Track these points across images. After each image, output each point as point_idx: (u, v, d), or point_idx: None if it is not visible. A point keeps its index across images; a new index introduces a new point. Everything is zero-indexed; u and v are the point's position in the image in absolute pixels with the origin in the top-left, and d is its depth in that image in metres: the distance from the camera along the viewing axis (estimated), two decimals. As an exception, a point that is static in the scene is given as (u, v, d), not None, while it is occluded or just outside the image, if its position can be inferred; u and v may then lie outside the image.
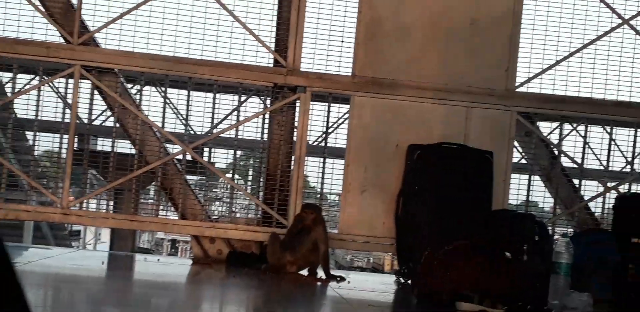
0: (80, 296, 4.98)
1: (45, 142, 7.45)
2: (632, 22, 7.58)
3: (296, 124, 7.28)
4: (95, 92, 7.26)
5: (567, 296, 5.88)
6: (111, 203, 7.80)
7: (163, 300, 5.14)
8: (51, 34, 7.14)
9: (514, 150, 7.45)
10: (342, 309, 5.15)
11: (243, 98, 7.49)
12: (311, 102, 7.27)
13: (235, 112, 7.46)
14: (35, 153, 7.76)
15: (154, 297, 5.29)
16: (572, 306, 5.78)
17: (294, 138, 7.28)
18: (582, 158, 7.64)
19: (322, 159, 7.45)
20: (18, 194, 7.52)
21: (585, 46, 7.54)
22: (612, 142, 7.70)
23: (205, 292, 5.79)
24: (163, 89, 7.47)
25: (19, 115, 7.39)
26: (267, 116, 7.38)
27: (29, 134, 7.48)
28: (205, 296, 5.59)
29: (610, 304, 6.22)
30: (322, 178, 7.45)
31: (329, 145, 7.52)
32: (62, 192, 7.10)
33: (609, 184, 7.60)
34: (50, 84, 7.38)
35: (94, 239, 14.32)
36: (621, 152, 7.72)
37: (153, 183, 7.47)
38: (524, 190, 7.57)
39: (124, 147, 7.36)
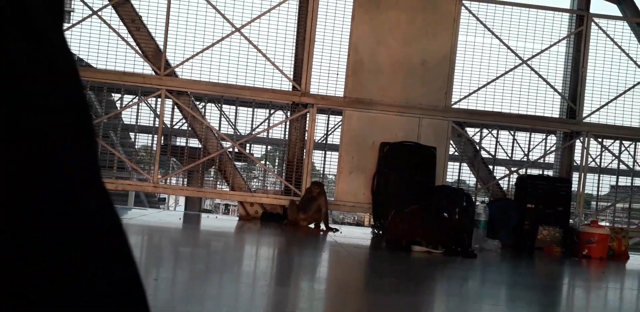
0: (165, 240, 5.00)
1: (142, 140, 7.47)
2: (528, 62, 7.57)
3: (307, 128, 7.30)
4: (175, 107, 7.30)
5: (484, 242, 5.91)
6: (185, 180, 7.83)
7: (219, 242, 5.16)
8: (146, 69, 7.15)
9: (450, 146, 7.45)
10: (336, 249, 5.14)
11: (272, 111, 7.51)
12: (317, 114, 7.29)
13: (267, 121, 7.49)
14: (136, 146, 7.79)
15: (213, 240, 5.32)
16: (487, 248, 5.81)
17: (306, 138, 7.30)
18: (495, 151, 7.64)
19: (324, 152, 7.48)
20: (124, 173, 7.54)
21: (497, 78, 7.54)
22: (515, 141, 7.70)
23: (247, 238, 5.81)
24: (220, 105, 7.49)
25: (125, 122, 7.41)
26: (287, 123, 7.40)
27: (132, 134, 7.49)
28: (247, 240, 5.62)
29: (512, 247, 6.25)
30: (324, 164, 7.47)
31: (328, 142, 7.53)
32: (153, 172, 7.14)
33: (512, 169, 7.61)
34: (145, 101, 7.42)
35: (174, 203, 14.27)
36: (520, 147, 7.71)
37: (213, 167, 7.48)
38: (456, 172, 7.59)
39: (194, 143, 7.37)
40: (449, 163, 7.34)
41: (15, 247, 0.49)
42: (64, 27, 0.60)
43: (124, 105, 7.42)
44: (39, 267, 0.50)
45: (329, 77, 7.26)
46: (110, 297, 0.54)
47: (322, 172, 7.57)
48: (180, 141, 7.56)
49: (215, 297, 2.63)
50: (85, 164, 0.55)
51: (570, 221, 6.75)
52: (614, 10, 8.11)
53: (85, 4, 7.00)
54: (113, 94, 7.65)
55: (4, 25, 0.49)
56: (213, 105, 7.50)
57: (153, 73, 7.09)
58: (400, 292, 3.08)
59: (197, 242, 5.05)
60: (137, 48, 7.10)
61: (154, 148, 7.14)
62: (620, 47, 7.66)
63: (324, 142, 7.49)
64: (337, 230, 6.36)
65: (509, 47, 7.50)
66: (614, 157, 7.77)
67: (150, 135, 7.18)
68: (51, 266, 0.50)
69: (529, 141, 7.67)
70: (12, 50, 0.49)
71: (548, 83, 7.59)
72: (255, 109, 7.40)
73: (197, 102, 7.42)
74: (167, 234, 5.39)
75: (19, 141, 0.49)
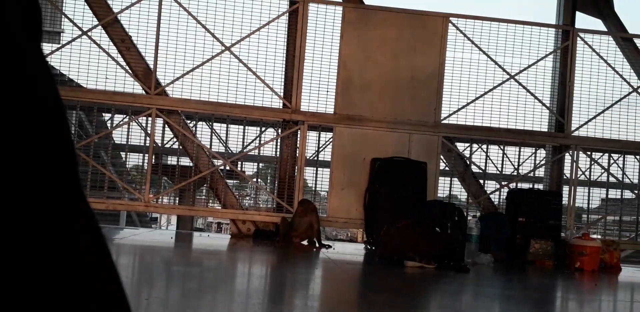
0: (157, 258, 4.99)
1: (133, 159, 7.46)
2: (516, 77, 7.66)
3: (298, 145, 7.30)
4: (166, 126, 7.30)
5: (476, 256, 5.91)
6: (177, 198, 7.80)
7: (211, 261, 5.15)
8: (137, 88, 7.17)
9: (441, 161, 7.47)
10: (329, 266, 5.13)
11: (263, 129, 7.53)
12: (307, 131, 7.30)
13: (258, 138, 7.50)
14: (127, 166, 7.77)
15: (205, 259, 5.31)
16: (480, 262, 5.81)
17: (297, 155, 7.30)
18: (485, 166, 7.67)
19: (315, 168, 7.49)
20: (115, 193, 7.50)
21: (486, 93, 7.60)
22: (504, 156, 7.74)
23: (239, 256, 5.79)
24: (210, 123, 7.50)
25: (115, 141, 7.39)
26: (279, 141, 7.41)
27: (122, 154, 7.48)
28: (239, 258, 5.60)
29: (504, 261, 6.26)
30: (316, 180, 7.48)
31: (320, 159, 7.54)
32: (144, 191, 7.13)
33: (503, 183, 7.64)
34: (136, 121, 7.41)
35: (166, 222, 14.18)
36: (510, 162, 7.74)
37: (204, 185, 7.47)
38: (447, 187, 7.61)
39: (185, 161, 7.35)
40: (440, 178, 7.34)
41: None
42: (45, 47, 0.62)
43: (114, 125, 7.42)
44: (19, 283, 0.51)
45: (319, 94, 7.28)
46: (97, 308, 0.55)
47: (314, 188, 7.57)
48: (172, 160, 7.55)
49: (208, 316, 2.63)
50: (68, 182, 0.56)
51: (562, 234, 6.77)
52: (599, 25, 8.25)
53: (75, 24, 7.04)
54: (103, 114, 7.66)
55: None
56: (204, 123, 7.51)
57: (143, 92, 7.10)
58: (393, 308, 3.08)
59: (189, 261, 5.03)
60: (127, 68, 7.11)
61: (145, 167, 7.13)
62: (606, 61, 7.76)
63: (316, 158, 7.50)
64: (329, 246, 6.35)
65: (496, 63, 7.58)
66: (603, 170, 7.83)
67: (141, 154, 7.18)
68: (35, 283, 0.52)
69: (519, 155, 7.71)
70: None
71: (536, 97, 7.67)
72: (246, 127, 7.42)
73: (188, 121, 7.42)
74: (159, 253, 5.37)
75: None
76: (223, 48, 7.17)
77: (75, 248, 0.55)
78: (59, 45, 7.09)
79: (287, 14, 7.33)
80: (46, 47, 7.04)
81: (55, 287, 0.53)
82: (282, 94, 7.30)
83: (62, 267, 0.54)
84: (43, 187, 0.54)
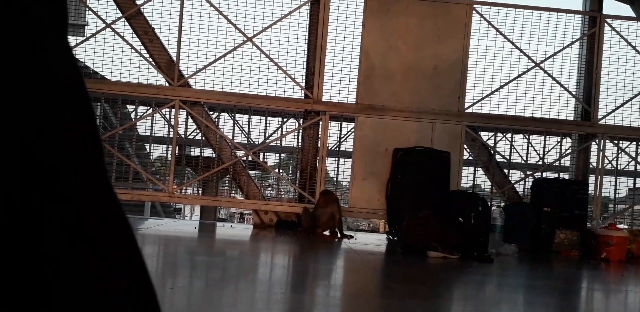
0: (181, 248, 5.05)
1: (157, 151, 7.54)
2: (541, 65, 7.54)
3: (319, 136, 7.31)
4: (189, 117, 7.35)
5: (500, 246, 5.87)
6: (200, 189, 7.86)
7: (234, 251, 5.19)
8: (160, 80, 7.22)
9: (464, 151, 7.41)
10: (351, 256, 5.14)
11: (285, 119, 7.55)
12: (329, 121, 7.29)
13: (280, 129, 7.51)
14: (151, 157, 7.84)
15: (228, 249, 5.35)
16: (504, 253, 5.77)
17: (319, 145, 7.31)
18: (510, 155, 7.59)
19: (337, 159, 7.48)
20: (140, 184, 7.57)
21: (510, 81, 7.51)
22: (530, 145, 7.66)
23: (262, 246, 5.83)
24: (233, 114, 7.53)
25: (140, 133, 7.46)
26: (300, 131, 7.41)
27: (147, 145, 7.55)
28: (262, 248, 5.63)
29: (529, 251, 6.20)
30: (337, 171, 7.47)
31: (341, 149, 7.53)
32: (168, 182, 7.20)
33: (528, 172, 7.56)
34: (159, 112, 7.47)
35: (190, 213, 14.33)
36: (535, 151, 7.66)
37: (227, 176, 7.51)
38: (471, 177, 7.56)
39: (208, 152, 7.39)
40: (464, 168, 7.30)
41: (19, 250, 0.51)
42: (70, 40, 0.62)
43: (138, 117, 7.49)
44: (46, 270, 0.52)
45: (340, 84, 7.27)
46: (123, 299, 0.55)
47: (335, 179, 7.56)
48: (195, 151, 7.60)
49: (231, 305, 2.65)
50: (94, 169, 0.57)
51: (588, 224, 6.68)
52: (627, 10, 8.06)
53: (99, 17, 7.10)
54: (128, 106, 7.73)
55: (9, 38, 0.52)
56: (226, 114, 7.53)
57: (167, 84, 7.15)
58: (416, 298, 3.08)
59: (212, 251, 5.08)
60: (150, 60, 7.17)
61: (169, 158, 7.19)
62: (634, 47, 7.60)
63: (337, 149, 7.50)
64: (351, 237, 6.34)
65: (521, 50, 7.47)
66: (630, 159, 7.69)
67: (165, 145, 7.24)
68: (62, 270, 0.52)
69: (544, 144, 7.62)
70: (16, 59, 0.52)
71: (562, 85, 7.55)
72: (268, 118, 7.43)
73: (211, 112, 7.46)
74: (183, 243, 5.42)
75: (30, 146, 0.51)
76: (245, 39, 7.17)
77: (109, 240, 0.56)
78: (84, 38, 7.16)
79: (309, 3, 7.30)
80: (71, 40, 7.10)
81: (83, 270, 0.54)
82: (303, 85, 7.29)
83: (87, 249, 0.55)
84: (73, 178, 0.55)
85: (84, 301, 0.54)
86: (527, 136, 7.61)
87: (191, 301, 2.69)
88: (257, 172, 7.85)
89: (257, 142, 7.45)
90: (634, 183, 7.75)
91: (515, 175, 7.59)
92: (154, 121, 7.27)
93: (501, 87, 7.47)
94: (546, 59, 7.54)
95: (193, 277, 3.52)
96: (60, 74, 0.56)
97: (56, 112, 0.54)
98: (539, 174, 7.49)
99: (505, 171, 7.61)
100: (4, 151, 0.50)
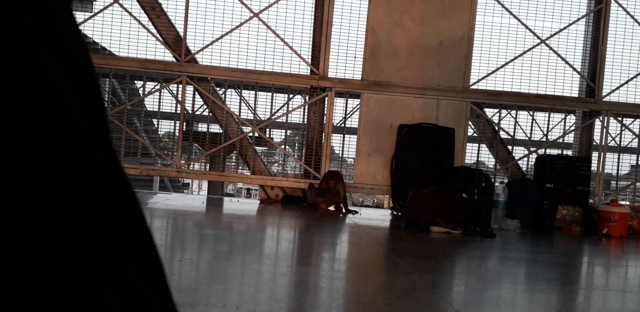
0: (189, 223, 5.08)
1: (165, 126, 7.54)
2: (547, 41, 7.45)
3: (325, 112, 7.29)
4: (196, 93, 7.34)
5: (503, 222, 5.89)
6: (207, 164, 7.89)
7: (241, 225, 5.22)
8: (167, 56, 7.20)
9: (469, 127, 7.39)
10: (356, 231, 5.16)
11: (291, 95, 7.52)
12: (335, 98, 7.27)
13: (286, 105, 7.49)
14: (159, 133, 7.85)
15: (235, 223, 5.38)
16: (507, 228, 5.79)
17: (324, 121, 7.29)
18: (514, 132, 7.58)
19: (342, 135, 7.47)
20: (148, 159, 7.62)
21: (515, 58, 7.44)
22: (534, 121, 7.62)
23: (268, 220, 5.86)
24: (239, 90, 7.51)
25: (148, 109, 7.47)
26: (306, 107, 7.40)
27: (155, 121, 7.56)
28: (268, 222, 5.66)
29: (531, 226, 6.22)
30: (343, 147, 7.48)
31: (347, 125, 7.53)
32: (176, 158, 7.22)
33: (532, 149, 7.55)
34: (167, 88, 7.46)
35: (197, 188, 14.41)
36: (539, 127, 7.64)
37: (234, 151, 7.54)
38: (475, 153, 7.55)
39: (215, 128, 7.41)
40: (468, 144, 7.29)
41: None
42: (78, 15, 0.61)
43: (146, 93, 7.48)
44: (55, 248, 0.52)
45: (346, 60, 7.24)
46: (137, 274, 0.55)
47: (340, 155, 7.57)
48: (202, 127, 7.61)
49: (238, 277, 2.68)
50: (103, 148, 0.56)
51: (590, 200, 6.68)
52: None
53: (106, -8, 7.03)
54: (135, 82, 7.72)
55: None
56: (233, 90, 7.52)
57: (174, 60, 7.12)
58: (419, 272, 3.09)
59: (220, 225, 5.11)
60: (157, 35, 7.12)
61: (177, 134, 7.20)
62: (640, 24, 7.48)
63: (343, 125, 7.48)
64: (356, 212, 6.37)
65: (527, 27, 7.38)
66: (634, 136, 7.65)
67: (173, 121, 7.24)
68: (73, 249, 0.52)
69: (548, 121, 7.59)
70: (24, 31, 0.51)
71: (567, 62, 7.47)
72: (274, 94, 7.41)
73: (218, 88, 7.45)
74: (191, 217, 5.46)
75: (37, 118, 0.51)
76: (251, 15, 7.11)
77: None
78: (92, 14, 7.11)
79: (315, -21, 7.20)
80: (79, 16, 7.06)
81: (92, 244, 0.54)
82: (309, 61, 7.25)
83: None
84: (81, 154, 0.54)
85: (88, 262, 0.53)
86: (531, 113, 7.57)
87: (199, 273, 2.71)
88: (263, 148, 7.86)
89: (263, 118, 7.45)
90: (637, 160, 7.72)
91: (518, 151, 7.58)
92: (162, 97, 7.27)
93: (506, 63, 7.40)
94: (552, 35, 7.44)
95: (201, 250, 3.55)
96: (69, 49, 0.55)
97: (65, 84, 0.54)
98: (543, 150, 7.47)
99: (509, 147, 7.60)
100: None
